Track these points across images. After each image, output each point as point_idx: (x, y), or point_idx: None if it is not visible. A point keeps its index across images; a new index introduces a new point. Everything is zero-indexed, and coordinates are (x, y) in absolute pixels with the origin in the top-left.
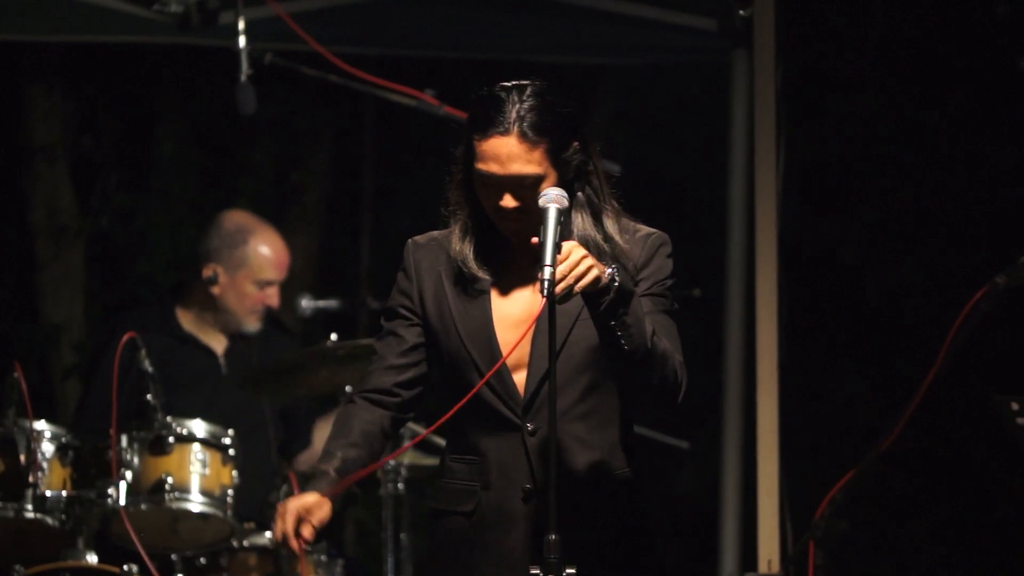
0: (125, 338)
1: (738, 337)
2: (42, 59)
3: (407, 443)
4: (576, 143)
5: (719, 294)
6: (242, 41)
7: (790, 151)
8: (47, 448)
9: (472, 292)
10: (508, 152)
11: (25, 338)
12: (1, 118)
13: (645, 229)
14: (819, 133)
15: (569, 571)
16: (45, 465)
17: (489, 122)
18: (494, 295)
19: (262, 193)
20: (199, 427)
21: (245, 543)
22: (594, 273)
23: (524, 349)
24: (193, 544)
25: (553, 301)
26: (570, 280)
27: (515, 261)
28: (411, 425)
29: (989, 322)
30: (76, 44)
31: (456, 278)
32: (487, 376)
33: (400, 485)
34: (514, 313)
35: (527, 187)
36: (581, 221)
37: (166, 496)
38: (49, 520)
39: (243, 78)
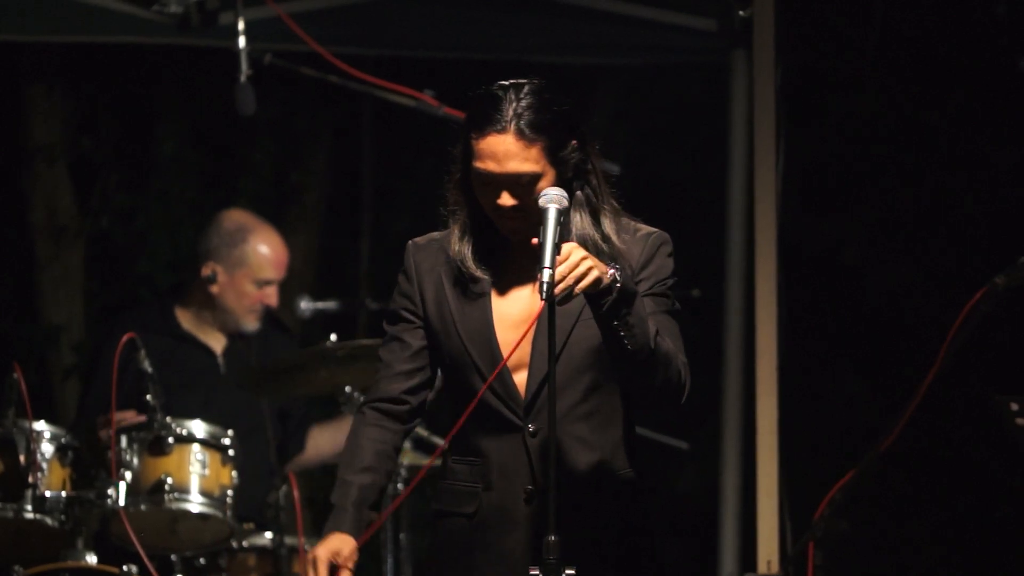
0: (125, 338)
1: (738, 337)
2: (42, 59)
3: (426, 463)
4: (574, 141)
5: (719, 294)
6: (242, 42)
7: (790, 151)
8: (47, 448)
9: (472, 293)
10: (505, 150)
11: (25, 338)
12: (1, 118)
13: (645, 228)
14: (819, 133)
15: (568, 572)
16: (45, 465)
17: (486, 120)
18: (494, 295)
19: (262, 193)
20: (198, 428)
21: (244, 543)
22: (594, 274)
23: (525, 350)
24: (192, 544)
25: (552, 303)
26: (569, 281)
27: (515, 261)
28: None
29: (989, 322)
30: (76, 44)
31: (456, 279)
32: (489, 381)
33: (400, 485)
34: (514, 313)
35: (525, 185)
36: (580, 220)
37: (165, 497)
38: (48, 520)
39: (243, 78)
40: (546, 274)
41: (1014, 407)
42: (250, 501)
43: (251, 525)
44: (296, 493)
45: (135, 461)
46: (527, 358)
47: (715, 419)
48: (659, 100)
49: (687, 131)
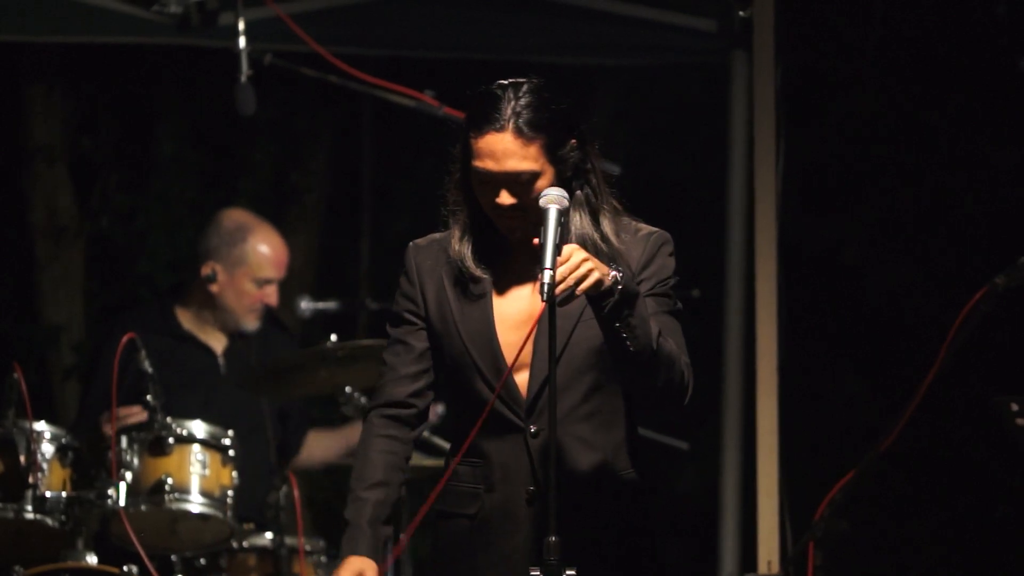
0: (125, 339)
1: (738, 337)
2: (42, 59)
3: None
4: (573, 140)
5: (719, 294)
6: (242, 42)
7: (790, 151)
8: (47, 449)
9: (473, 293)
10: (504, 148)
11: (25, 338)
12: (1, 118)
13: (646, 228)
14: (819, 133)
15: (569, 573)
16: (45, 466)
17: (485, 119)
18: (495, 296)
19: (262, 193)
20: (199, 428)
21: (244, 544)
22: (595, 276)
23: (526, 351)
24: (193, 545)
25: (553, 304)
26: (570, 283)
27: (515, 260)
28: None
29: (989, 322)
30: (76, 44)
31: (456, 279)
32: (497, 391)
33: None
34: (515, 314)
35: (523, 183)
36: (579, 220)
37: (166, 497)
38: (49, 521)
39: (243, 79)
40: (547, 275)
41: (1014, 407)
42: (250, 501)
43: (251, 525)
44: (296, 493)
45: (135, 461)
46: (528, 359)
47: (715, 419)
48: (659, 100)
49: (687, 131)
